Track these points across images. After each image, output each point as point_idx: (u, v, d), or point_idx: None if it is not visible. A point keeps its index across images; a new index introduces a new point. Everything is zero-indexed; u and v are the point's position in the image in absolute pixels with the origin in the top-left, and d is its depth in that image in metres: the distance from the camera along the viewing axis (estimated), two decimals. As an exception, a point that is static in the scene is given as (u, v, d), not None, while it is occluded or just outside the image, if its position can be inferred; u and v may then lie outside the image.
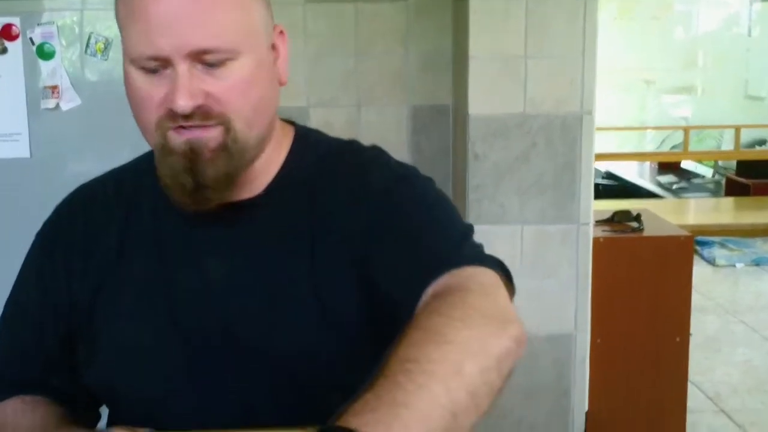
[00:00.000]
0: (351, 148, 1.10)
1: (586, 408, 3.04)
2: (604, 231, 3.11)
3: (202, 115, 0.94)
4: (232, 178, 0.98)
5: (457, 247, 0.95)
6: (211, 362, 1.01)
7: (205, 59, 0.93)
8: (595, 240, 2.98)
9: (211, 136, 0.95)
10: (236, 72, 0.95)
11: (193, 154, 0.95)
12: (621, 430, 3.07)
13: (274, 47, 1.02)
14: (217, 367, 1.01)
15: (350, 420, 0.70)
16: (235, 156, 0.97)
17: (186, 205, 0.98)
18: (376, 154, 1.09)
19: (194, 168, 0.95)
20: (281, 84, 1.04)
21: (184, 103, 0.92)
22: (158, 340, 1.02)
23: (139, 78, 0.96)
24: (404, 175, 1.05)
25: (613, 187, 7.49)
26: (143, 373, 1.03)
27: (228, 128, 0.95)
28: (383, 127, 3.19)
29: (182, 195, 0.97)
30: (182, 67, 0.92)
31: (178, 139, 0.95)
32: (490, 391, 0.77)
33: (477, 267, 0.91)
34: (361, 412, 0.70)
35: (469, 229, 1.00)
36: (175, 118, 0.93)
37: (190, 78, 0.93)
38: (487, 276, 0.90)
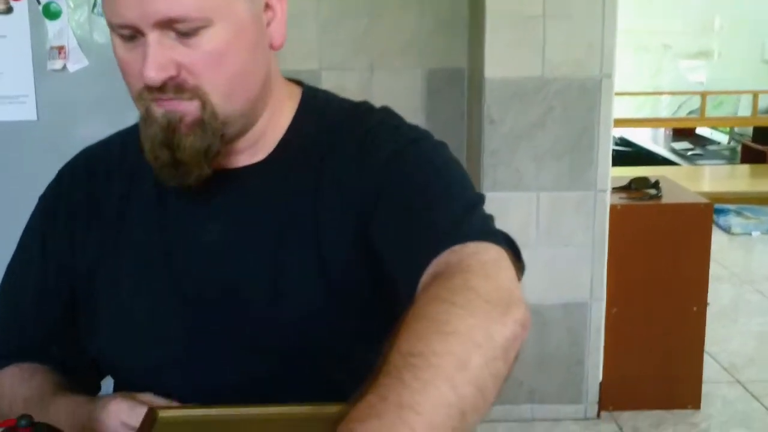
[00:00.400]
0: (360, 110, 1.06)
1: (600, 378, 3.01)
2: (621, 198, 3.05)
3: (176, 87, 0.91)
4: (210, 153, 0.94)
5: (462, 220, 0.90)
6: (212, 331, 0.99)
7: (176, 28, 0.89)
8: (612, 207, 2.93)
9: (188, 110, 0.92)
10: (210, 41, 0.90)
11: (170, 127, 0.92)
12: (635, 400, 3.04)
13: (268, 7, 0.97)
14: (219, 335, 0.99)
15: (355, 427, 0.66)
16: (213, 132, 0.93)
17: (166, 179, 0.96)
18: (387, 116, 1.05)
19: (171, 142, 0.92)
20: (275, 48, 0.99)
21: (153, 75, 0.89)
22: (159, 309, 1.00)
23: (119, 45, 0.93)
24: (414, 139, 1.00)
25: (627, 154, 7.40)
26: (145, 342, 1.01)
27: (204, 103, 0.92)
28: (396, 90, 3.13)
29: (161, 169, 0.95)
30: (152, 37, 0.89)
31: (158, 111, 0.92)
32: (497, 381, 0.74)
33: (481, 243, 0.86)
34: (366, 418, 0.66)
35: (479, 199, 0.95)
36: (150, 90, 0.91)
37: (160, 48, 0.89)
38: (491, 253, 0.85)
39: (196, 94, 0.91)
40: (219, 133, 0.94)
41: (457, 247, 0.85)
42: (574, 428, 2.97)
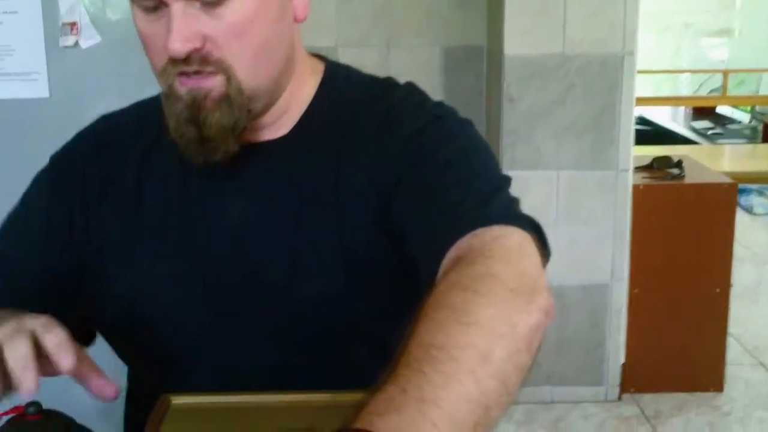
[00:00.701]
0: (383, 86, 1.04)
1: (622, 360, 2.97)
2: (643, 178, 3.00)
3: (200, 59, 0.88)
4: (237, 129, 0.92)
5: (486, 201, 0.87)
6: (232, 314, 0.97)
7: None
8: (635, 187, 2.89)
9: (213, 86, 0.89)
10: (234, 12, 0.88)
11: (195, 104, 0.90)
12: (657, 382, 3.01)
13: None
14: (239, 318, 0.97)
15: (375, 421, 0.63)
16: (240, 107, 0.91)
17: (193, 156, 0.94)
18: (410, 92, 1.03)
19: (197, 119, 0.90)
20: (299, 20, 0.97)
21: (179, 47, 0.86)
22: (176, 291, 0.98)
23: (141, 17, 0.91)
24: (438, 116, 0.98)
25: (646, 133, 7.32)
26: (161, 317, 0.99)
27: (229, 77, 0.90)
28: (414, 68, 3.08)
29: (187, 146, 0.93)
30: (176, 7, 0.86)
31: (182, 88, 0.90)
32: (520, 373, 0.72)
33: (505, 227, 0.83)
34: (385, 412, 0.63)
35: (505, 181, 0.92)
36: (175, 62, 0.89)
37: (185, 19, 0.87)
38: (515, 238, 0.82)
39: (221, 67, 0.89)
40: (245, 109, 0.92)
41: (479, 231, 0.82)
42: (594, 410, 2.94)
